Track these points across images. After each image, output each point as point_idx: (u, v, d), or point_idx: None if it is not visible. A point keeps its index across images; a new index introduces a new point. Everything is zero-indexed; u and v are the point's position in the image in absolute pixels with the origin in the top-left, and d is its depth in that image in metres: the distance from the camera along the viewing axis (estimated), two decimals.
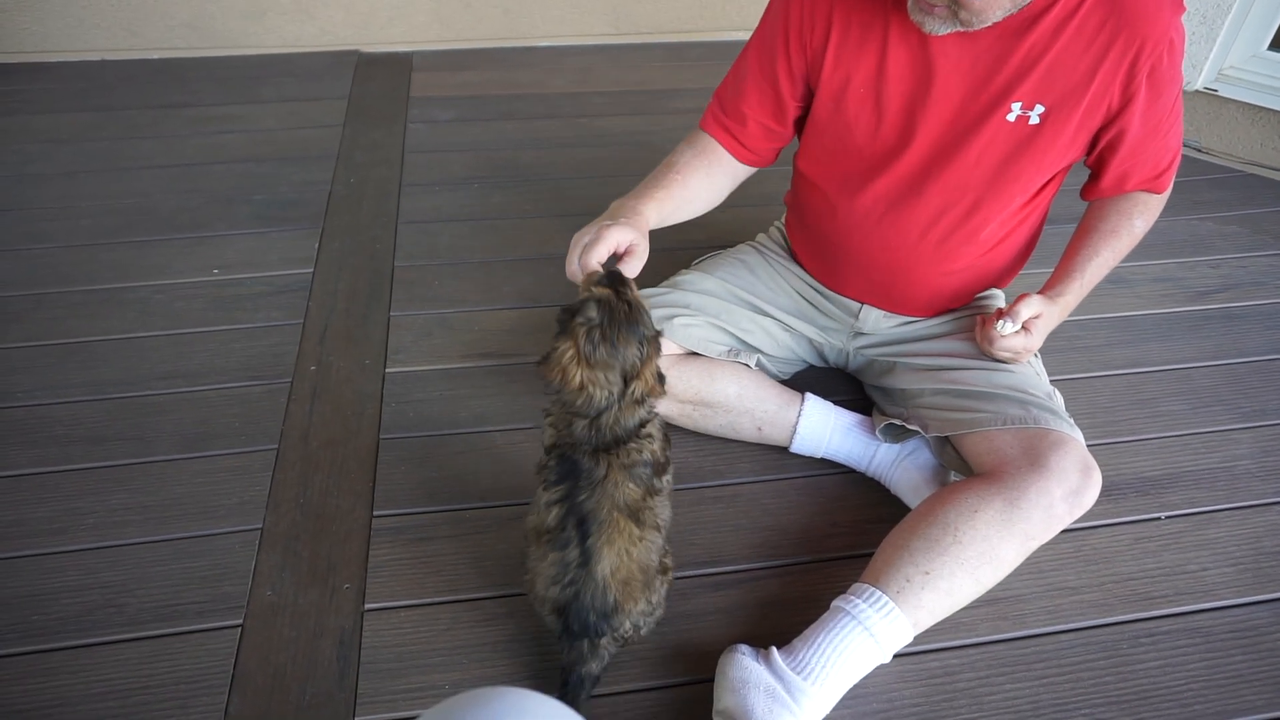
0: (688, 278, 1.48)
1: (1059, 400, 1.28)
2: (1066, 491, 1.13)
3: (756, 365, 1.43)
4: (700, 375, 1.39)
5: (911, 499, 1.33)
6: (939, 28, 1.11)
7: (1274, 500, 1.41)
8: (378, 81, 2.80)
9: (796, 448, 1.43)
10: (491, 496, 1.39)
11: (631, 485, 1.05)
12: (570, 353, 1.01)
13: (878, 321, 1.44)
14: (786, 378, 1.54)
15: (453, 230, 2.06)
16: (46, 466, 1.42)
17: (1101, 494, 1.39)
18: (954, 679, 1.15)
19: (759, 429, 1.43)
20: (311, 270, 1.90)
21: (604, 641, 1.07)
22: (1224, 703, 1.13)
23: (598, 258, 1.13)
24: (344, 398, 1.57)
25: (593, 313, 1.01)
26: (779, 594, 1.25)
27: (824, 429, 1.41)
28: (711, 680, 1.13)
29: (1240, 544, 1.34)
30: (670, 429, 1.22)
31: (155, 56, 2.90)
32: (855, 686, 1.12)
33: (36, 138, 2.42)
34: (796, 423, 1.41)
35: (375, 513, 1.36)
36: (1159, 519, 1.38)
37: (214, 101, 2.64)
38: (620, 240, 1.16)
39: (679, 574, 1.27)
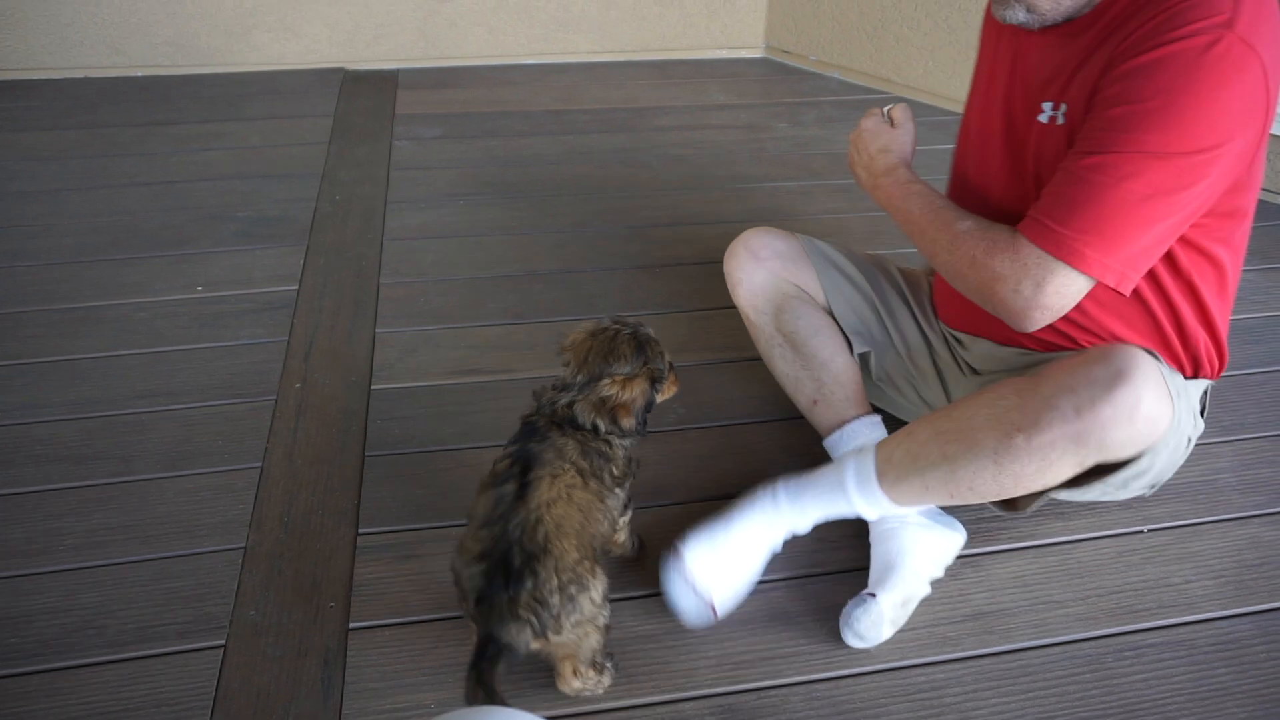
0: (882, 255, 1.48)
1: None
2: (1087, 391, 1.01)
3: (858, 357, 1.40)
4: (814, 324, 1.37)
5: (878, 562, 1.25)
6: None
7: (1254, 513, 1.42)
8: (363, 99, 2.80)
9: (829, 443, 1.38)
10: None
11: (585, 462, 1.09)
12: (588, 328, 1.15)
13: (989, 351, 1.31)
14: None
15: (438, 247, 2.06)
16: (25, 486, 1.41)
17: (1084, 507, 1.41)
18: (940, 694, 1.14)
19: (814, 403, 1.38)
20: (296, 287, 1.90)
21: (525, 598, 0.97)
22: (1207, 715, 1.13)
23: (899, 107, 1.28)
24: (329, 415, 1.56)
25: (630, 322, 1.15)
26: (765, 609, 1.25)
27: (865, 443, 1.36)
28: (698, 698, 1.13)
29: (1222, 557, 1.35)
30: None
31: (139, 74, 2.90)
32: (844, 702, 1.12)
33: (19, 155, 2.41)
34: (850, 423, 1.35)
35: (360, 530, 1.35)
36: (1142, 532, 1.39)
37: (198, 119, 2.64)
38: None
39: None
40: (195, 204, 2.20)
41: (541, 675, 1.16)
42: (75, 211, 2.15)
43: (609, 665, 1.12)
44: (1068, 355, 1.13)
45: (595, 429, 1.12)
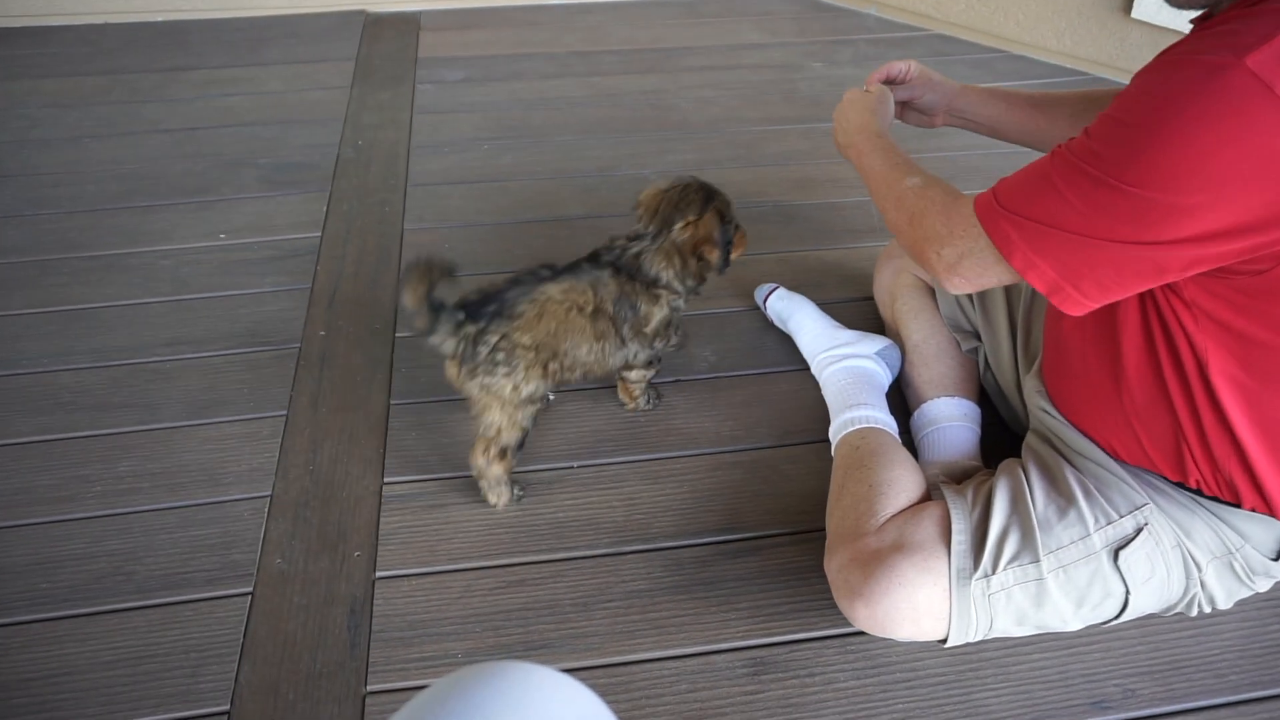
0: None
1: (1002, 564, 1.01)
2: (842, 590, 1.04)
3: (969, 352, 1.37)
4: (914, 308, 1.42)
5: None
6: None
7: None
8: (385, 42, 2.74)
9: (916, 419, 1.34)
10: None
11: (610, 306, 1.23)
12: (660, 184, 1.28)
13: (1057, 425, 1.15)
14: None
15: (463, 192, 2.01)
16: (53, 434, 1.40)
17: None
18: (980, 649, 1.11)
19: (907, 384, 1.40)
20: (319, 234, 1.86)
21: (471, 330, 1.16)
22: (1259, 673, 1.10)
23: (876, 77, 1.27)
24: (353, 363, 1.54)
25: (699, 183, 1.27)
26: (798, 561, 1.22)
27: (943, 419, 1.31)
28: (730, 650, 1.11)
29: None
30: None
31: (159, 19, 2.85)
32: (879, 655, 1.10)
33: (41, 103, 2.38)
34: (924, 404, 1.32)
35: (385, 479, 1.34)
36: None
37: (219, 64, 2.59)
38: (900, 67, 1.28)
39: (696, 540, 1.25)
40: (217, 150, 2.17)
41: (568, 623, 1.14)
42: (97, 159, 2.13)
43: (510, 482, 1.27)
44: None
45: (656, 280, 1.25)
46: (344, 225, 1.89)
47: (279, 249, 1.82)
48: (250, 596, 1.18)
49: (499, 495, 1.27)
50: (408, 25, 2.84)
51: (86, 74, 2.53)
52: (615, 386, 1.46)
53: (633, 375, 1.37)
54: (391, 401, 1.46)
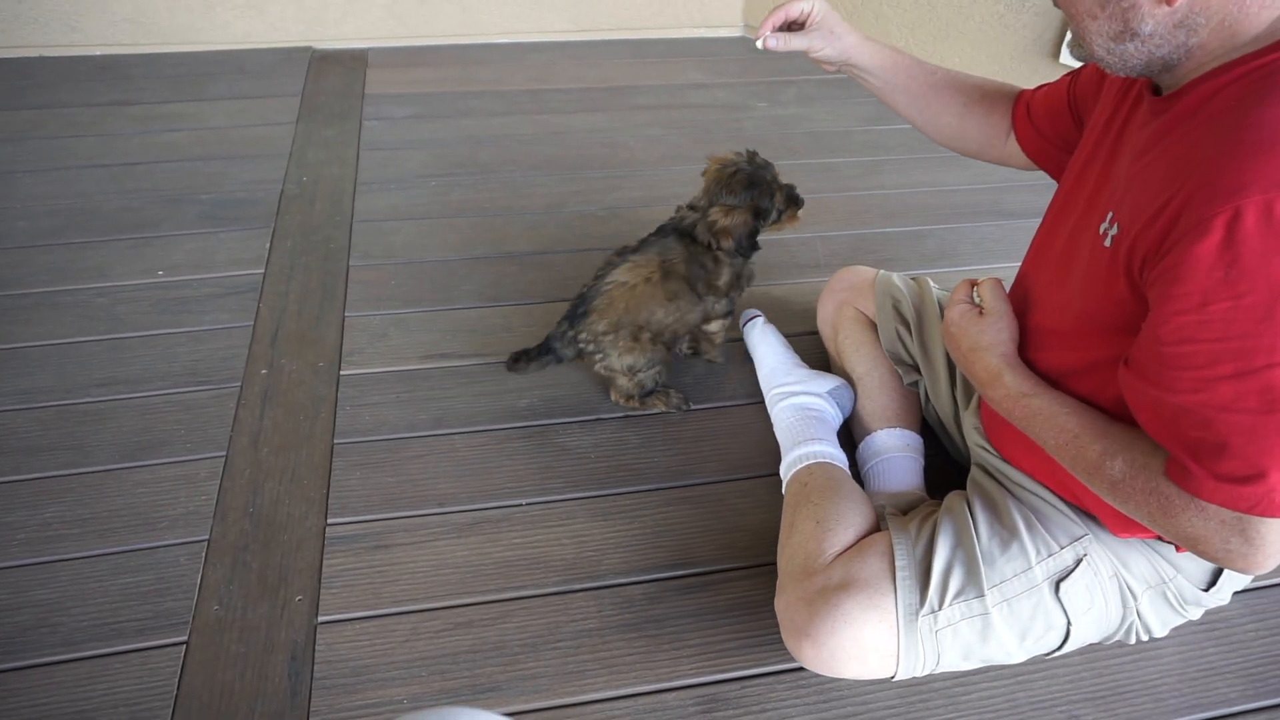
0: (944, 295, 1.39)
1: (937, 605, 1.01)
2: (789, 629, 1.04)
3: (911, 385, 1.37)
4: (857, 340, 1.44)
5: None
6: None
7: None
8: (332, 78, 2.73)
9: (861, 451, 1.36)
10: (450, 501, 1.34)
11: (683, 266, 1.39)
12: (723, 158, 1.42)
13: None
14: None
15: (409, 229, 2.00)
16: None
17: None
18: (929, 680, 1.12)
19: (853, 416, 1.42)
20: (262, 271, 1.83)
21: (571, 332, 1.41)
22: (1198, 696, 1.12)
23: (772, 22, 1.16)
24: (296, 401, 1.51)
25: (758, 160, 1.41)
26: (749, 596, 1.22)
27: (887, 451, 1.33)
28: (682, 688, 1.10)
29: None
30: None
31: (98, 53, 2.81)
32: (831, 690, 1.10)
33: None
34: (869, 436, 1.34)
35: (329, 520, 1.30)
36: None
37: (159, 99, 2.55)
38: (800, 8, 1.15)
39: (646, 577, 1.24)
40: (157, 186, 2.12)
41: (517, 665, 1.12)
42: (30, 194, 2.07)
43: (650, 399, 1.50)
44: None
45: (710, 245, 1.40)
46: (288, 261, 1.87)
47: (220, 286, 1.79)
48: (185, 646, 1.13)
49: (638, 404, 1.51)
50: (355, 62, 2.84)
51: (19, 108, 2.47)
52: (559, 423, 1.45)
53: (713, 326, 1.52)
54: (335, 441, 1.44)
